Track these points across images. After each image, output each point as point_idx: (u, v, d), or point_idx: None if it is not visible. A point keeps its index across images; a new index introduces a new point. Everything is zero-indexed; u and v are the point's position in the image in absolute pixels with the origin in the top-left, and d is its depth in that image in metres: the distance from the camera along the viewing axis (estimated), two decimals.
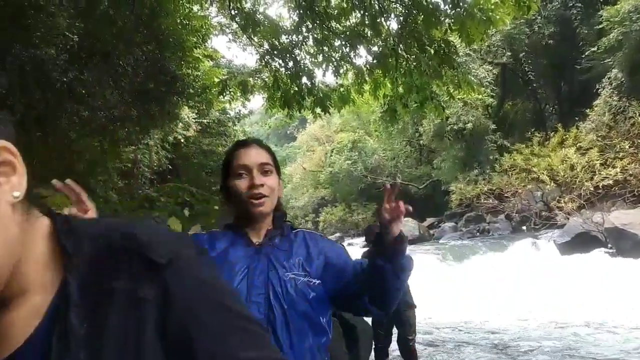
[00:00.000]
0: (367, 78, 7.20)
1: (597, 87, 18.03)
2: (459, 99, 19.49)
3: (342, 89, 7.59)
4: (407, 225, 21.69)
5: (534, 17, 21.42)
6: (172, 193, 3.33)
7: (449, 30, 5.37)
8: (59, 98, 7.65)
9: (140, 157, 9.97)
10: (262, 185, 1.44)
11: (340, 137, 32.92)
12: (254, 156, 1.48)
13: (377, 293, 1.50)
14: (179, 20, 7.51)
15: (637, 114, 14.93)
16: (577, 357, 5.89)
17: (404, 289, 4.20)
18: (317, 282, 1.45)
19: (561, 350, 6.21)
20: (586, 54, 18.42)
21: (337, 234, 28.39)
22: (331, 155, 32.93)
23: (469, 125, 21.21)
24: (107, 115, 8.90)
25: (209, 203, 3.82)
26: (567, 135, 17.50)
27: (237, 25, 7.71)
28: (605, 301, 8.43)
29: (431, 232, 22.25)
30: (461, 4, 5.05)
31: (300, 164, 37.89)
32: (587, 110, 17.62)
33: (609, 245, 11.94)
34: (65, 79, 7.90)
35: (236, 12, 6.68)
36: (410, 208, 1.50)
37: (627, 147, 14.74)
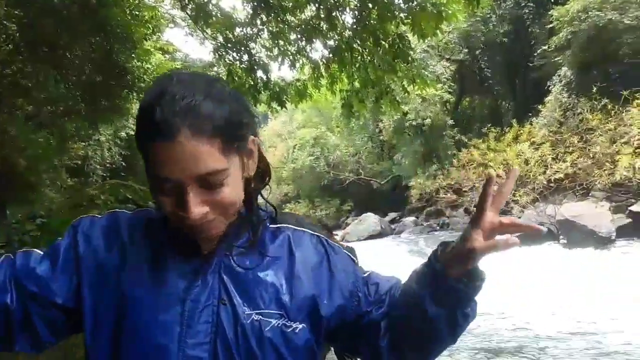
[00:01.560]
0: (323, 72, 7.13)
1: (549, 84, 18.66)
2: (417, 94, 19.79)
3: (298, 84, 7.50)
4: (369, 221, 21.89)
5: (489, 16, 21.98)
6: (113, 190, 3.16)
7: (401, 24, 5.37)
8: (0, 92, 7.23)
9: (91, 154, 9.56)
10: (203, 213, 0.80)
11: (303, 133, 32.83)
12: (184, 163, 0.75)
13: (409, 341, 0.96)
14: (128, 11, 7.21)
15: (585, 110, 15.53)
16: (518, 342, 6.04)
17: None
18: (299, 326, 0.88)
19: (510, 337, 6.36)
20: (538, 52, 19.02)
21: None
22: (293, 152, 32.81)
23: (428, 121, 21.55)
24: (53, 110, 8.49)
25: (151, 199, 3.64)
26: (522, 131, 18.01)
27: (190, 18, 7.48)
28: (557, 290, 8.72)
29: (392, 226, 22.49)
30: None
31: None
32: (540, 107, 18.21)
33: (561, 237, 12.37)
34: (8, 71, 7.47)
35: (187, 2, 6.47)
36: (545, 230, 0.97)
37: (576, 141, 15.31)
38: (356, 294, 0.97)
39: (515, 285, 9.50)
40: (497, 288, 9.48)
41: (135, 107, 9.07)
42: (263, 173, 0.98)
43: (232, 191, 0.83)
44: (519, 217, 14.37)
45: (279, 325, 0.87)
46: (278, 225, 0.98)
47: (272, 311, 0.87)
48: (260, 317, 0.86)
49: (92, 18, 6.94)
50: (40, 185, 6.68)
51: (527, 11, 21.35)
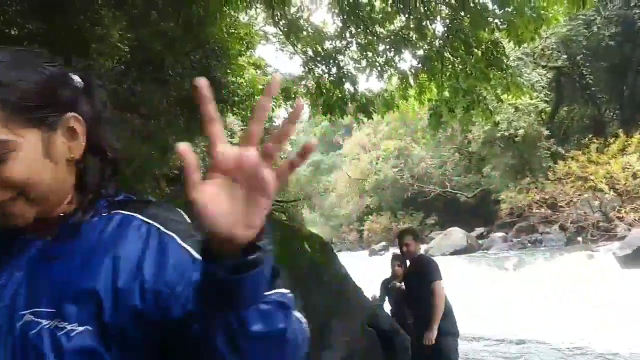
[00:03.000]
0: (411, 82, 7.05)
1: None
2: (510, 104, 18.89)
3: (385, 94, 7.48)
4: (455, 235, 21.15)
5: (592, 18, 20.49)
6: None
7: (496, 30, 5.17)
8: (113, 107, 7.97)
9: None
10: None
11: (386, 145, 32.61)
12: None
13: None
14: (224, 29, 7.65)
15: None
16: None
17: (436, 315, 3.99)
18: (78, 329, 0.69)
19: None
20: None
21: (383, 243, 28.03)
22: (377, 163, 32.67)
23: (521, 132, 20.46)
24: (156, 123, 9.20)
25: None
26: (630, 142, 16.52)
27: (282, 34, 7.78)
28: None
29: (480, 242, 21.53)
30: (510, 2, 4.85)
31: (345, 172, 37.80)
32: None
33: None
34: (120, 90, 8.23)
35: (279, 18, 6.73)
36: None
37: None
38: (178, 297, 0.72)
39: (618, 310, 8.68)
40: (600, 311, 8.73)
41: (229, 120, 9.57)
42: (101, 156, 0.81)
43: (25, 169, 0.71)
44: (625, 236, 13.13)
45: (51, 326, 0.70)
46: (117, 211, 0.80)
47: (45, 309, 0.71)
48: (32, 317, 0.71)
49: (193, 37, 7.47)
50: (144, 193, 7.24)
51: (637, 11, 19.64)
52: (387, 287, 5.00)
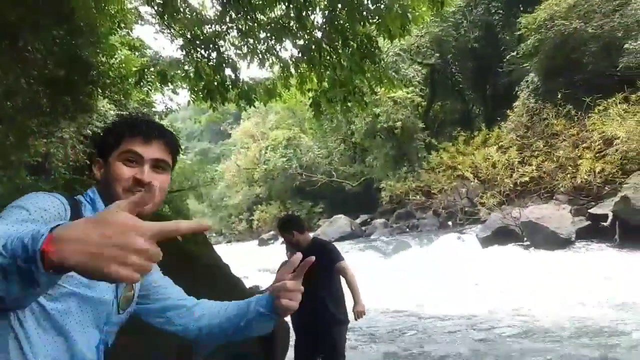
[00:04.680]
0: (293, 72, 7.09)
1: (517, 90, 19.13)
2: (389, 97, 20.00)
3: (267, 83, 7.44)
4: (340, 223, 21.97)
5: (460, 21, 22.41)
6: (67, 186, 3.04)
7: (367, 24, 5.40)
8: None
9: (53, 151, 9.27)
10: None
11: (275, 134, 32.73)
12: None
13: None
14: (92, 4, 7.02)
15: (551, 116, 15.98)
16: (494, 342, 6.14)
17: (335, 300, 3.82)
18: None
19: (483, 338, 6.46)
20: (507, 58, 19.48)
21: (272, 232, 28.20)
22: (266, 153, 32.68)
23: (399, 124, 21.79)
24: (13, 105, 8.20)
25: None
26: (490, 135, 18.42)
27: (156, 14, 7.33)
28: (521, 290, 8.92)
29: (363, 228, 22.63)
30: None
31: (234, 162, 37.25)
32: (508, 112, 18.64)
33: (525, 238, 12.68)
34: None
35: None
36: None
37: (541, 146, 15.74)
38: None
39: (480, 284, 9.70)
40: (466, 286, 9.68)
41: (99, 104, 8.84)
42: None
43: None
44: (486, 220, 14.68)
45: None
46: None
47: None
48: None
49: (56, 10, 6.74)
50: None
51: (497, 17, 21.86)
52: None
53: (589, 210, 12.71)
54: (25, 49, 7.42)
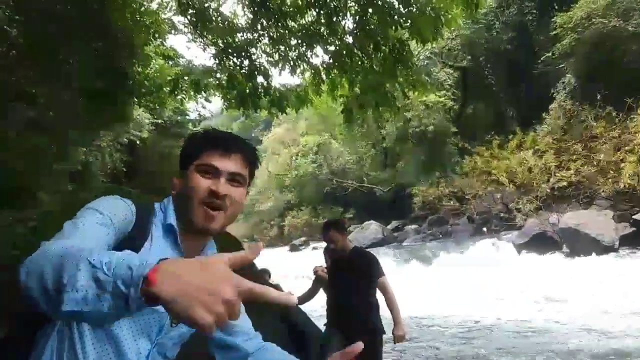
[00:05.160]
0: (324, 78, 7.09)
1: (553, 91, 18.61)
2: (420, 101, 19.79)
3: (299, 89, 7.46)
4: (371, 229, 21.80)
5: (492, 22, 22.00)
6: (108, 194, 3.13)
7: (399, 28, 5.34)
8: (3, 97, 7.24)
9: (91, 159, 9.56)
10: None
11: (306, 140, 32.86)
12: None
13: None
14: (128, 16, 7.21)
15: (589, 118, 15.45)
16: (531, 351, 5.94)
17: (371, 309, 3.70)
18: None
19: (520, 346, 6.27)
20: (542, 59, 18.99)
21: (303, 238, 28.25)
22: (296, 159, 32.83)
23: (431, 128, 21.51)
24: (54, 115, 8.50)
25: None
26: (525, 138, 17.96)
27: (190, 23, 7.47)
28: (561, 298, 8.61)
29: (395, 234, 22.38)
30: (413, 2, 5.03)
31: (265, 168, 37.56)
32: (544, 114, 18.14)
33: (564, 245, 12.25)
34: (11, 78, 7.48)
35: (187, 7, 6.47)
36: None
37: (580, 149, 15.23)
38: None
39: (519, 293, 9.41)
40: (502, 296, 9.41)
41: (136, 113, 9.07)
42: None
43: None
44: (522, 226, 14.28)
45: None
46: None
47: None
48: None
49: (94, 24, 6.96)
50: (36, 189, 6.66)
51: (530, 18, 21.36)
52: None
53: (633, 216, 12.18)
54: (66, 61, 7.69)
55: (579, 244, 11.48)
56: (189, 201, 1.15)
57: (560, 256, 11.74)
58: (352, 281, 3.72)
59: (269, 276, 6.04)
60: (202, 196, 1.15)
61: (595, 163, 14.62)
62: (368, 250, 4.23)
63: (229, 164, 1.18)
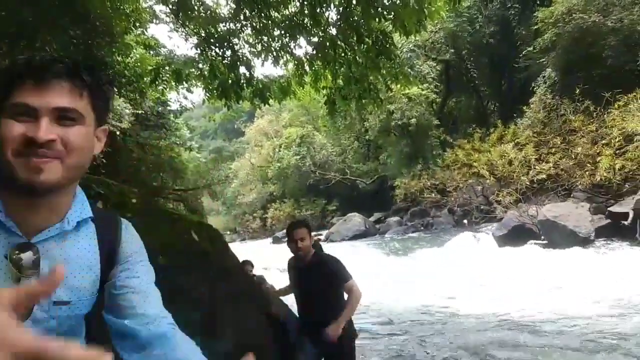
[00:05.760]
0: (307, 69, 7.06)
1: (534, 85, 18.84)
2: (403, 94, 19.86)
3: (282, 80, 7.42)
4: (354, 221, 21.90)
5: (475, 16, 22.14)
6: (84, 184, 3.08)
7: (383, 20, 5.33)
8: None
9: None
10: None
11: (289, 132, 32.76)
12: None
13: None
14: (108, 4, 7.06)
15: (568, 112, 15.70)
16: (510, 344, 6.05)
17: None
18: None
19: (499, 338, 6.37)
20: (524, 53, 19.20)
21: (285, 230, 28.26)
22: (279, 151, 32.73)
23: (413, 121, 21.63)
24: None
25: (124, 195, 3.56)
26: (506, 132, 18.16)
27: (171, 12, 7.34)
28: (539, 290, 8.78)
29: (377, 226, 22.53)
30: None
31: (247, 159, 37.38)
32: (525, 108, 18.37)
33: (542, 237, 12.48)
34: None
35: None
36: None
37: (559, 143, 15.47)
38: None
39: (499, 283, 9.57)
40: (485, 286, 9.56)
41: (115, 103, 8.90)
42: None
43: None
44: (502, 218, 14.49)
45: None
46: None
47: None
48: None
49: (72, 10, 6.79)
50: None
51: (512, 12, 21.55)
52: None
53: (608, 209, 12.46)
54: (42, 49, 7.50)
55: (557, 235, 11.71)
56: (4, 157, 0.87)
57: (538, 248, 11.96)
58: (318, 292, 3.57)
59: (252, 268, 6.04)
60: (16, 146, 0.86)
61: (573, 156, 14.89)
62: (330, 255, 3.83)
63: (50, 98, 0.88)
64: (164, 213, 3.89)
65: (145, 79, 8.04)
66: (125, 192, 3.58)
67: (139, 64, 8.19)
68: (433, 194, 19.87)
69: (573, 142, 15.21)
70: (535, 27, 18.07)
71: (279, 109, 33.49)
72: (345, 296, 3.68)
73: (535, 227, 12.91)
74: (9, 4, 6.59)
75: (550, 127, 16.60)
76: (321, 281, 3.56)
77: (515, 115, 19.29)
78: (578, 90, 15.31)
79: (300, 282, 3.76)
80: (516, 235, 12.87)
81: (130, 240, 1.11)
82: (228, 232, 35.00)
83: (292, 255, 3.84)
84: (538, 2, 19.15)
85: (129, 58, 8.00)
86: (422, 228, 20.60)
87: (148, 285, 1.10)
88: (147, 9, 8.05)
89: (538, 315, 7.40)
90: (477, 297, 8.78)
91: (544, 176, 14.97)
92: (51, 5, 6.71)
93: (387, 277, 11.19)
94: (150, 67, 7.83)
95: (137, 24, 8.12)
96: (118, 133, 11.09)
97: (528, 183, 15.27)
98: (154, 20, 9.05)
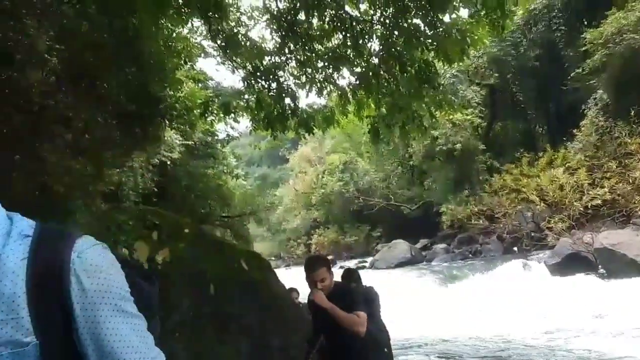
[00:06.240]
0: (350, 98, 7.18)
1: (584, 107, 18.23)
2: (447, 120, 19.67)
3: (325, 110, 7.57)
4: (399, 248, 21.59)
5: (519, 40, 21.81)
6: (140, 215, 3.25)
7: (426, 50, 5.39)
8: (39, 121, 7.58)
9: (124, 180, 9.84)
10: None
11: (332, 159, 32.97)
12: None
13: None
14: (161, 42, 7.49)
15: (623, 134, 15.05)
16: None
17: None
18: None
19: None
20: (572, 75, 18.67)
21: (330, 257, 28.15)
22: (323, 177, 32.92)
23: (458, 146, 21.32)
24: (90, 138, 8.82)
25: (178, 225, 3.72)
26: (556, 156, 17.58)
27: (219, 48, 7.70)
28: (597, 324, 8.32)
29: (423, 253, 22.08)
30: (439, 24, 5.08)
31: (292, 186, 37.79)
32: (575, 131, 17.77)
33: (599, 266, 11.85)
34: (50, 102, 7.84)
35: (217, 32, 6.68)
36: None
37: (614, 167, 14.80)
38: None
39: (554, 316, 9.14)
40: (540, 319, 9.15)
41: (167, 135, 9.33)
42: None
43: None
44: (554, 246, 13.88)
45: None
46: None
47: None
48: None
49: (128, 50, 7.25)
50: (75, 211, 6.91)
51: (558, 35, 21.10)
52: None
53: None
54: (102, 86, 8.02)
55: (616, 264, 11.08)
56: None
57: (595, 278, 11.34)
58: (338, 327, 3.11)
59: (298, 295, 6.08)
60: None
61: (630, 180, 14.17)
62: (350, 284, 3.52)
63: None
64: (215, 243, 4.03)
65: (195, 111, 8.41)
66: (179, 222, 3.75)
67: (189, 97, 8.58)
68: (481, 220, 19.33)
69: (630, 165, 14.51)
70: (584, 48, 17.58)
71: (323, 136, 33.86)
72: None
73: (592, 255, 12.29)
74: (68, 48, 7.13)
75: (603, 150, 15.93)
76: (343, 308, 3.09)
77: (565, 139, 18.66)
78: (633, 112, 14.68)
79: (323, 318, 3.24)
80: (570, 264, 12.28)
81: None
82: (273, 258, 35.24)
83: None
84: (585, 24, 18.66)
85: (180, 92, 8.40)
86: (470, 255, 20.02)
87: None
88: (196, 45, 8.48)
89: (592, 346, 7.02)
90: (529, 328, 8.42)
91: (599, 202, 14.31)
92: (110, 47, 7.20)
93: (432, 306, 10.94)
94: (199, 101, 8.19)
95: (187, 60, 8.55)
96: (169, 163, 11.59)
97: (582, 209, 14.63)
98: (202, 55, 9.52)
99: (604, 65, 16.33)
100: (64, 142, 8.71)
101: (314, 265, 3.22)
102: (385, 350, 3.45)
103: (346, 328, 3.05)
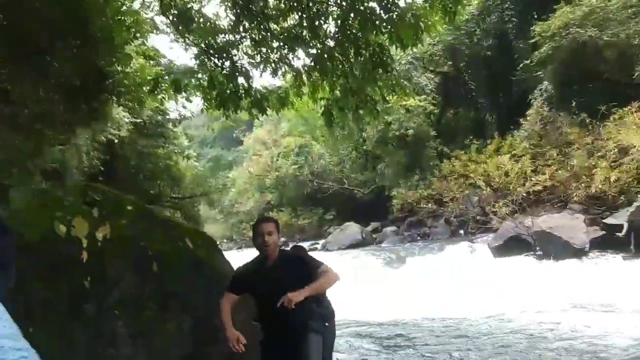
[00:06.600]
0: (305, 80, 7.16)
1: (531, 98, 19.00)
2: (401, 105, 20.00)
3: (280, 91, 7.52)
4: (351, 230, 21.93)
5: (473, 29, 22.36)
6: (80, 192, 3.13)
7: (380, 33, 5.44)
8: None
9: (67, 157, 9.44)
10: None
11: (287, 142, 32.85)
12: None
13: None
14: (109, 15, 7.16)
15: (565, 124, 15.83)
16: (509, 351, 6.08)
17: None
18: None
19: (493, 345, 6.41)
20: (521, 66, 19.36)
21: (283, 239, 28.22)
22: (277, 160, 32.78)
23: (411, 132, 21.75)
24: (30, 112, 8.37)
25: (120, 202, 3.61)
26: (503, 143, 18.26)
27: (171, 24, 7.44)
28: (533, 301, 8.82)
29: (374, 236, 22.52)
30: (394, 8, 5.13)
31: (245, 168, 37.42)
32: (522, 120, 18.50)
33: (537, 248, 12.53)
34: None
35: (168, 7, 6.46)
36: None
37: (555, 155, 15.58)
38: None
39: (492, 294, 9.61)
40: (478, 295, 9.60)
41: (114, 112, 8.98)
42: None
43: None
44: (498, 229, 14.54)
45: None
46: None
47: None
48: None
49: (74, 21, 6.89)
50: (10, 186, 6.58)
51: (510, 26, 21.77)
52: None
53: (603, 220, 12.51)
54: (44, 58, 7.59)
55: (551, 246, 11.75)
56: None
57: (532, 258, 12.02)
58: (283, 283, 3.09)
59: None
60: None
61: (569, 168, 14.97)
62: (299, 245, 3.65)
63: None
64: (160, 221, 3.94)
65: (144, 88, 8.13)
66: (121, 199, 3.64)
67: (138, 73, 8.28)
68: (430, 205, 19.90)
69: (569, 154, 15.31)
70: (533, 40, 18.26)
71: (278, 118, 33.64)
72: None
73: (531, 238, 12.96)
74: (10, 16, 6.70)
75: (547, 139, 16.72)
76: (293, 277, 3.13)
77: (512, 127, 19.41)
78: (574, 103, 15.44)
79: (265, 285, 3.22)
80: (512, 246, 12.91)
81: None
82: (225, 240, 34.94)
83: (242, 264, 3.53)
84: (536, 17, 19.33)
85: (129, 68, 8.09)
86: (418, 238, 20.60)
87: None
88: (148, 20, 8.17)
89: (527, 320, 7.46)
90: (477, 307, 8.83)
91: (540, 188, 15.04)
92: (54, 17, 6.81)
93: (386, 287, 11.23)
94: (149, 77, 7.92)
95: (138, 35, 8.22)
96: (116, 141, 11.19)
97: (524, 194, 15.33)
98: (155, 31, 9.17)
99: (551, 57, 17.03)
100: (1, 116, 8.23)
101: (264, 220, 3.42)
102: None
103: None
